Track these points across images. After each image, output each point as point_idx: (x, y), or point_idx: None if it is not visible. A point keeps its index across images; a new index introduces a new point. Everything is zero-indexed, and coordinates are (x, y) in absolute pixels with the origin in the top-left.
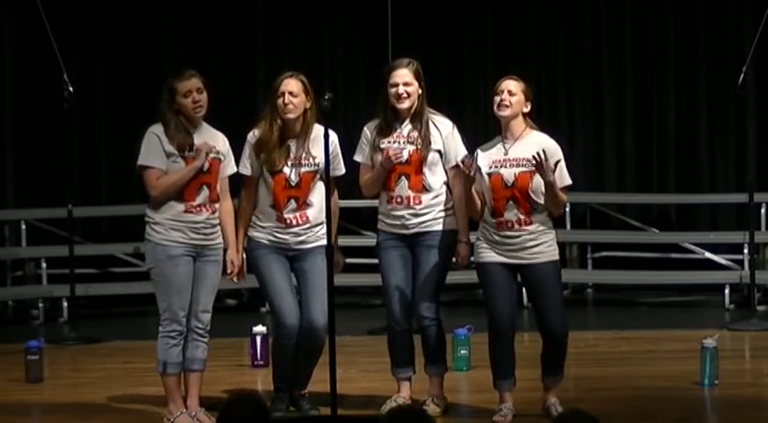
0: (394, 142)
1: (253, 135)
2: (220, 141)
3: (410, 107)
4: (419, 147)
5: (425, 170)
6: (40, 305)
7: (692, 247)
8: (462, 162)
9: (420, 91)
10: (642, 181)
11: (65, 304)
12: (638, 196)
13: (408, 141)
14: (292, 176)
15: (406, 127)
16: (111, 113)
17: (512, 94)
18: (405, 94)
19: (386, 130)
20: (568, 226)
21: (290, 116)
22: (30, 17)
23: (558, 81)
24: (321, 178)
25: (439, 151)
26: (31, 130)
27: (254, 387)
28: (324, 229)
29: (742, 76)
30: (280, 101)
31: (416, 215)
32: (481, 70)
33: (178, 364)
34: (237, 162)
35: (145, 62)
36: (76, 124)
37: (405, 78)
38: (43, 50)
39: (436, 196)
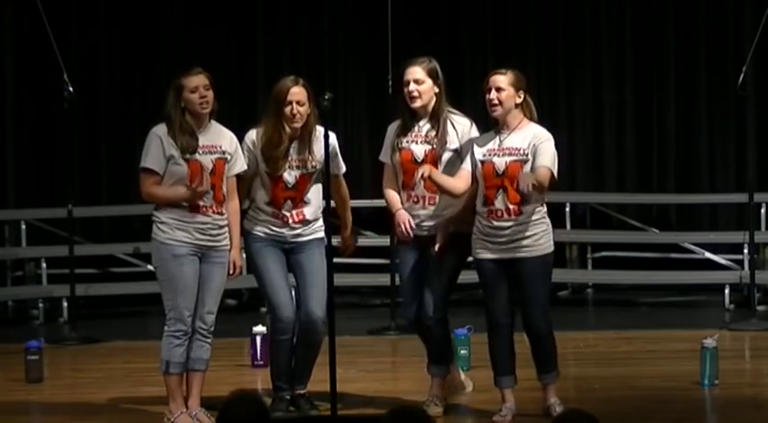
0: (412, 142)
1: (254, 137)
2: (227, 140)
3: (425, 106)
4: (435, 146)
5: (440, 170)
6: (40, 305)
7: (692, 247)
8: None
9: (437, 89)
10: (642, 181)
11: (65, 304)
12: (638, 196)
13: (426, 141)
14: (290, 179)
15: (425, 126)
16: (111, 113)
17: (500, 90)
18: (415, 93)
19: (404, 129)
20: (568, 226)
21: (299, 125)
22: (30, 17)
23: (558, 81)
24: (318, 178)
25: (456, 150)
26: (31, 130)
27: (254, 387)
28: (321, 223)
29: (742, 76)
30: (287, 110)
31: (432, 217)
32: (481, 71)
33: (181, 364)
34: None
35: (145, 62)
36: (76, 124)
37: (416, 76)
38: (43, 50)
39: (452, 196)
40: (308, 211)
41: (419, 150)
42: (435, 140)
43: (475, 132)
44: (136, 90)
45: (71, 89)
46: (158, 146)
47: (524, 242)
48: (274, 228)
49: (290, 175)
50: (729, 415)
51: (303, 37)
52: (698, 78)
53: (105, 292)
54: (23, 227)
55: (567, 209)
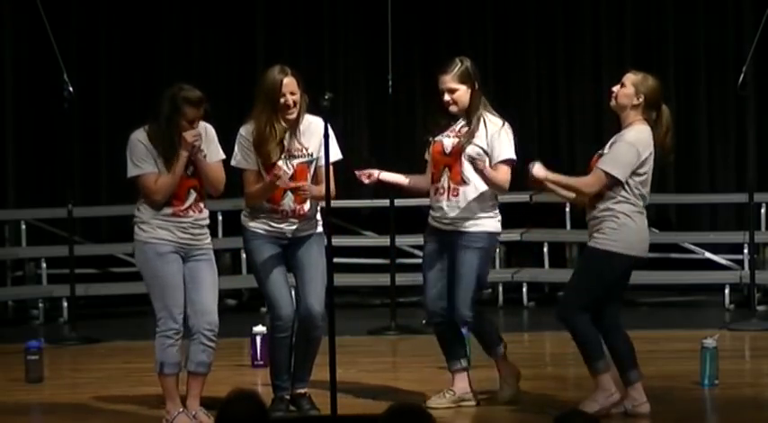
0: (445, 135)
1: (247, 131)
2: (202, 135)
3: (461, 109)
4: (462, 139)
5: (465, 163)
6: (40, 305)
7: (692, 247)
8: (473, 160)
9: (471, 90)
10: None
11: (65, 304)
12: None
13: (456, 135)
14: (286, 169)
15: (460, 123)
16: (111, 113)
17: (622, 85)
18: (450, 102)
19: (443, 128)
20: (568, 226)
21: (294, 115)
22: (30, 17)
23: (558, 81)
24: (316, 170)
25: (482, 148)
26: (31, 129)
27: (254, 387)
28: (319, 217)
29: (742, 76)
30: (282, 101)
31: (455, 208)
32: (481, 71)
33: (176, 364)
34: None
35: (145, 62)
36: (76, 124)
37: (448, 85)
38: (43, 50)
39: (476, 191)
40: (307, 206)
41: (448, 143)
42: (465, 135)
43: (505, 133)
44: (136, 90)
45: (71, 89)
46: (144, 150)
47: (594, 234)
48: (273, 223)
49: (286, 166)
50: (729, 415)
51: (303, 37)
52: (698, 78)
53: (105, 292)
54: (23, 227)
55: (567, 209)
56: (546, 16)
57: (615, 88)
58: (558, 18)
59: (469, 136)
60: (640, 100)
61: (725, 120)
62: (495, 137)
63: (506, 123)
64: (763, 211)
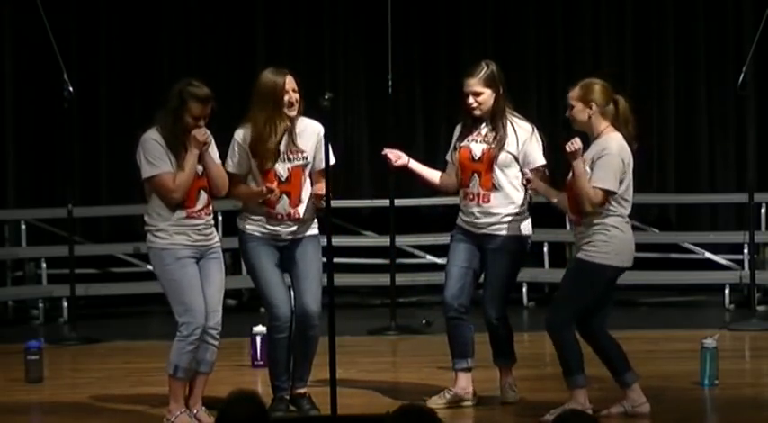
0: (472, 141)
1: (242, 135)
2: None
3: (485, 113)
4: (492, 146)
5: (496, 169)
6: (40, 305)
7: (692, 247)
8: (525, 177)
9: (496, 94)
10: (642, 181)
11: (65, 304)
12: (638, 196)
13: (484, 140)
14: (282, 172)
15: (485, 128)
16: (111, 113)
17: (571, 107)
18: (474, 105)
19: (467, 130)
20: (568, 226)
21: (295, 113)
22: (30, 17)
23: (557, 82)
24: (310, 173)
25: (513, 154)
26: (31, 130)
27: (254, 387)
28: (315, 220)
29: (742, 76)
30: (286, 98)
31: (486, 214)
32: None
33: (189, 369)
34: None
35: (145, 62)
36: (76, 124)
37: (473, 88)
38: (43, 50)
39: (507, 197)
40: (302, 210)
41: (477, 149)
42: (494, 141)
43: (536, 139)
44: (136, 90)
45: (71, 89)
46: (160, 149)
47: (581, 247)
48: (269, 226)
49: (282, 168)
50: (729, 415)
51: (303, 37)
52: (698, 78)
53: (105, 292)
54: (23, 227)
55: None
56: (546, 16)
57: (568, 113)
58: (557, 18)
59: (500, 143)
60: (593, 108)
61: (725, 120)
62: (528, 144)
63: (535, 128)
64: (763, 211)
